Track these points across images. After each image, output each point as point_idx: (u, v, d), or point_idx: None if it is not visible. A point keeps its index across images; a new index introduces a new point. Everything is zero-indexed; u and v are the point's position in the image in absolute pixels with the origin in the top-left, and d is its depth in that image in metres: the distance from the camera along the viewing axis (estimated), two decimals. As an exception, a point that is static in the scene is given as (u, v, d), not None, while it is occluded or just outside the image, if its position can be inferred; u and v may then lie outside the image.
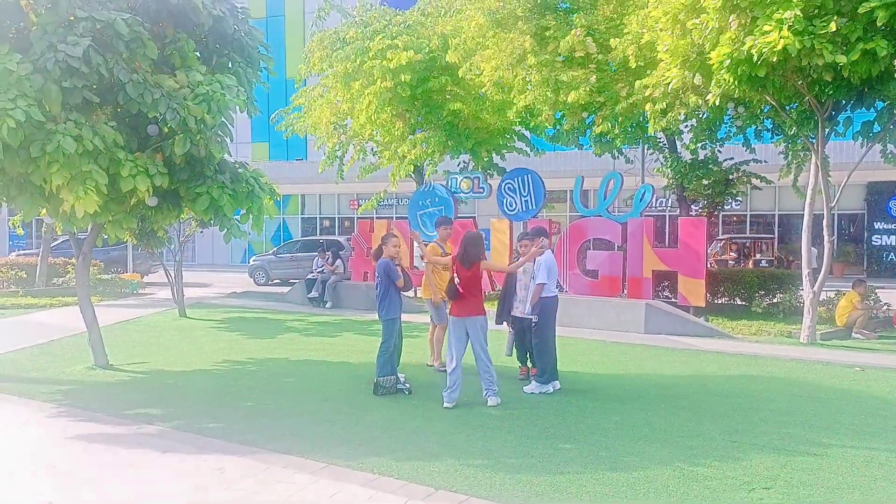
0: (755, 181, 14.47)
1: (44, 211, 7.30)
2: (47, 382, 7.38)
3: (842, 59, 7.76)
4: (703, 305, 11.72)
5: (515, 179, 14.08)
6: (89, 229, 8.30)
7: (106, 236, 8.61)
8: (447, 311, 6.95)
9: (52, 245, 18.16)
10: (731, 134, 13.95)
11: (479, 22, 12.68)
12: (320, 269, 15.19)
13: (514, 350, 7.59)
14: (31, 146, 6.21)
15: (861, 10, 7.67)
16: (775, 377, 7.82)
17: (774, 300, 12.73)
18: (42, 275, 16.78)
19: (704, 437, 5.45)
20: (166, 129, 7.20)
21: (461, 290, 6.40)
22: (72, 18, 6.49)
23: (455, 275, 6.50)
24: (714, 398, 6.79)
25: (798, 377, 7.85)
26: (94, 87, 6.80)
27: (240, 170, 7.82)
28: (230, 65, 7.61)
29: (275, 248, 23.86)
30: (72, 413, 6.15)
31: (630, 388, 7.21)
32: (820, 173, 10.21)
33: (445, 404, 6.27)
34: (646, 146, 15.05)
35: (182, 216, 8.84)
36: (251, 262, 23.00)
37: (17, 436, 5.51)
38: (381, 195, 18.57)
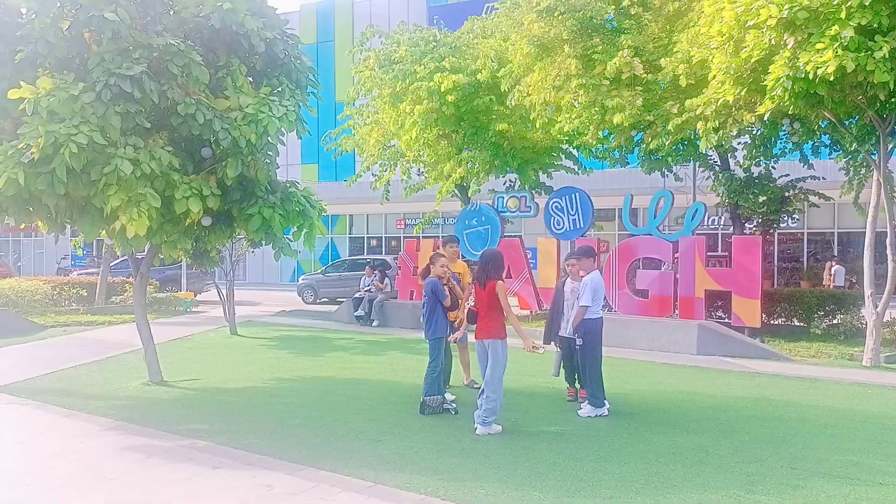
0: (813, 198, 14.03)
1: (103, 232, 7.58)
2: (105, 398, 7.60)
3: (891, 81, 7.55)
4: (759, 326, 11.37)
5: (563, 198, 14.00)
6: (146, 250, 8.57)
7: (162, 256, 8.88)
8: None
9: (111, 264, 18.80)
10: (787, 150, 13.58)
11: (525, 51, 12.68)
12: (367, 288, 15.32)
13: (561, 370, 7.48)
14: (91, 170, 6.48)
15: None
16: (837, 401, 7.50)
17: (835, 321, 12.24)
18: (101, 293, 17.38)
19: (762, 464, 5.24)
20: (219, 152, 7.42)
21: (478, 312, 6.25)
22: (129, 47, 6.77)
23: (473, 296, 6.38)
24: (772, 423, 6.54)
25: (861, 402, 7.50)
26: (149, 112, 7.07)
27: (291, 189, 7.97)
28: (279, 88, 7.81)
29: (323, 268, 24.20)
30: (127, 428, 6.31)
31: (683, 411, 7.00)
32: (882, 190, 9.83)
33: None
34: (696, 164, 14.77)
35: (234, 236, 9.05)
36: (300, 281, 23.37)
37: (76, 448, 5.68)
38: (431, 216, 18.67)
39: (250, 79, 7.84)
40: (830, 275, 19.49)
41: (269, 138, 7.22)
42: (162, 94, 6.85)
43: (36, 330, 13.28)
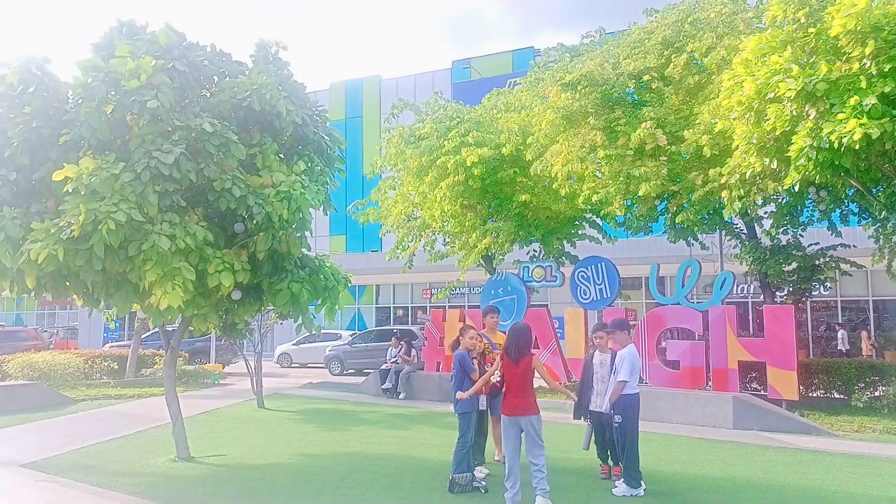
0: (844, 266, 13.80)
1: (136, 306, 7.72)
2: (132, 475, 7.56)
3: None
4: (797, 399, 11.00)
5: (589, 268, 13.95)
6: (178, 323, 8.68)
7: (192, 329, 8.99)
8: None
9: (142, 337, 19.03)
10: (815, 218, 13.47)
11: (550, 120, 12.97)
12: (394, 360, 15.23)
13: (593, 446, 7.28)
14: (129, 246, 6.67)
15: None
16: (885, 480, 7.15)
17: (876, 393, 11.80)
18: (132, 366, 17.52)
19: (809, 548, 4.98)
20: (251, 226, 7.61)
21: (506, 387, 6.13)
22: (169, 129, 7.08)
23: (501, 371, 6.23)
24: (817, 503, 6.25)
25: (911, 480, 7.15)
26: (185, 190, 7.31)
27: (319, 264, 8.11)
28: (309, 164, 8.04)
29: (350, 339, 24.18)
30: (153, 506, 6.25)
31: (722, 491, 6.73)
32: (915, 257, 9.66)
33: None
34: (723, 232, 14.71)
35: (263, 309, 9.15)
36: (327, 353, 23.34)
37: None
38: (452, 286, 18.74)
39: (281, 155, 8.11)
40: (859, 340, 19.09)
41: (301, 214, 7.39)
42: (199, 173, 7.10)
43: (67, 403, 13.37)
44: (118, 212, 6.45)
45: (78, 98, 7.30)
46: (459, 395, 6.64)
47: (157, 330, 12.04)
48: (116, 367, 17.53)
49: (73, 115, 7.14)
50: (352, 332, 26.27)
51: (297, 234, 7.89)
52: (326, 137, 8.48)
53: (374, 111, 34.86)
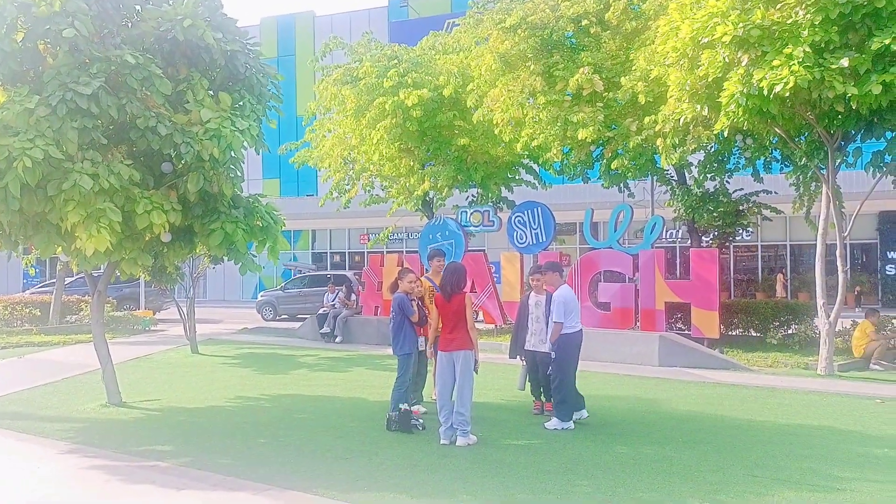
0: (766, 212, 14.44)
1: (59, 249, 7.37)
2: (61, 420, 7.36)
3: (853, 90, 7.79)
4: (718, 337, 11.61)
5: (525, 212, 14.13)
6: (104, 267, 8.35)
7: (119, 274, 8.67)
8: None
9: (65, 283, 18.26)
10: (740, 166, 13.98)
11: (490, 64, 12.83)
12: (333, 304, 15.18)
13: (527, 384, 7.52)
14: (48, 185, 6.31)
15: (874, 47, 7.72)
16: (794, 410, 7.70)
17: (789, 331, 12.59)
18: (56, 312, 16.85)
19: (724, 472, 5.35)
20: (180, 166, 7.30)
21: (442, 325, 6.38)
22: (87, 61, 6.63)
23: (437, 309, 6.44)
24: (732, 431, 6.69)
25: (817, 410, 7.72)
26: (108, 126, 6.92)
27: (254, 204, 7.89)
28: (241, 102, 7.71)
29: (283, 284, 23.90)
30: (86, 451, 6.12)
31: (647, 422, 7.11)
32: (831, 203, 10.19)
33: (442, 441, 6.20)
34: (654, 178, 15.10)
35: (194, 252, 8.88)
36: (259, 298, 23.02)
37: (32, 474, 5.48)
38: (389, 231, 18.68)
39: (211, 93, 7.74)
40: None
41: (232, 153, 7.13)
42: (120, 109, 6.71)
43: (-15, 351, 12.80)
44: (34, 148, 6.06)
45: (-15, 25, 6.73)
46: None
47: (81, 275, 11.46)
48: (39, 313, 16.84)
49: (-21, 43, 6.58)
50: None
51: (231, 175, 7.62)
52: (258, 73, 8.11)
53: (308, 49, 33.60)
